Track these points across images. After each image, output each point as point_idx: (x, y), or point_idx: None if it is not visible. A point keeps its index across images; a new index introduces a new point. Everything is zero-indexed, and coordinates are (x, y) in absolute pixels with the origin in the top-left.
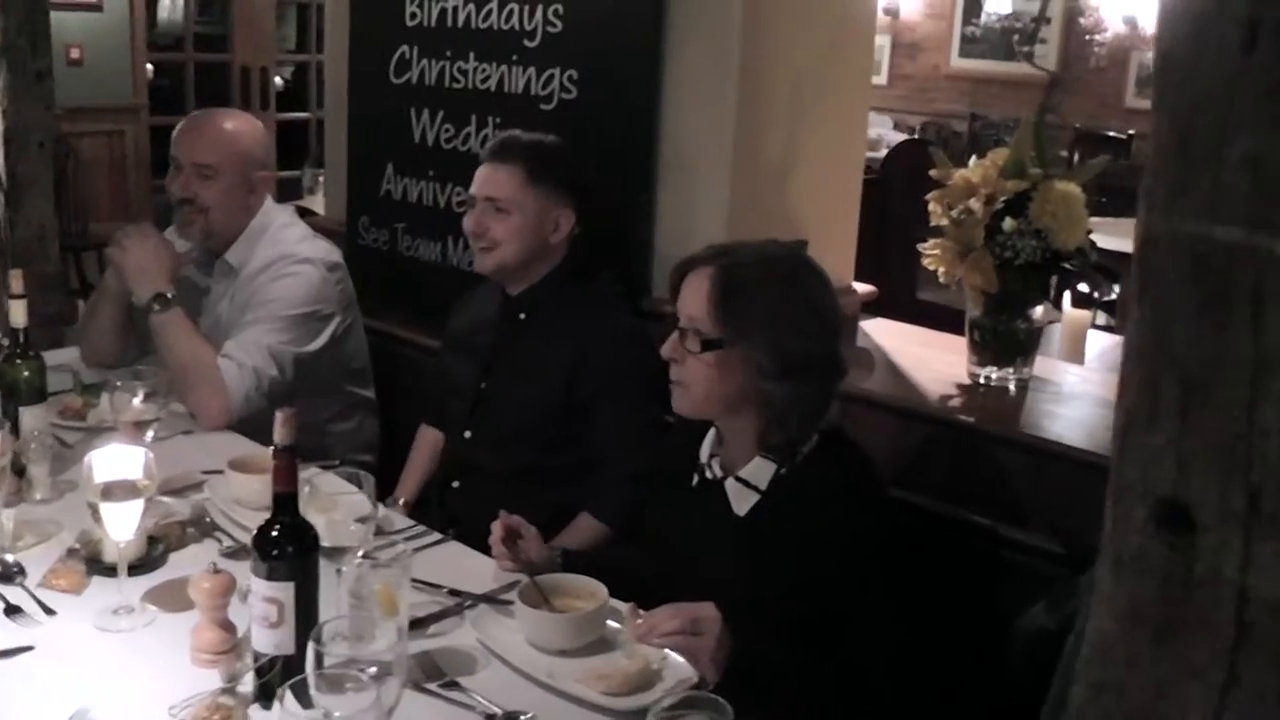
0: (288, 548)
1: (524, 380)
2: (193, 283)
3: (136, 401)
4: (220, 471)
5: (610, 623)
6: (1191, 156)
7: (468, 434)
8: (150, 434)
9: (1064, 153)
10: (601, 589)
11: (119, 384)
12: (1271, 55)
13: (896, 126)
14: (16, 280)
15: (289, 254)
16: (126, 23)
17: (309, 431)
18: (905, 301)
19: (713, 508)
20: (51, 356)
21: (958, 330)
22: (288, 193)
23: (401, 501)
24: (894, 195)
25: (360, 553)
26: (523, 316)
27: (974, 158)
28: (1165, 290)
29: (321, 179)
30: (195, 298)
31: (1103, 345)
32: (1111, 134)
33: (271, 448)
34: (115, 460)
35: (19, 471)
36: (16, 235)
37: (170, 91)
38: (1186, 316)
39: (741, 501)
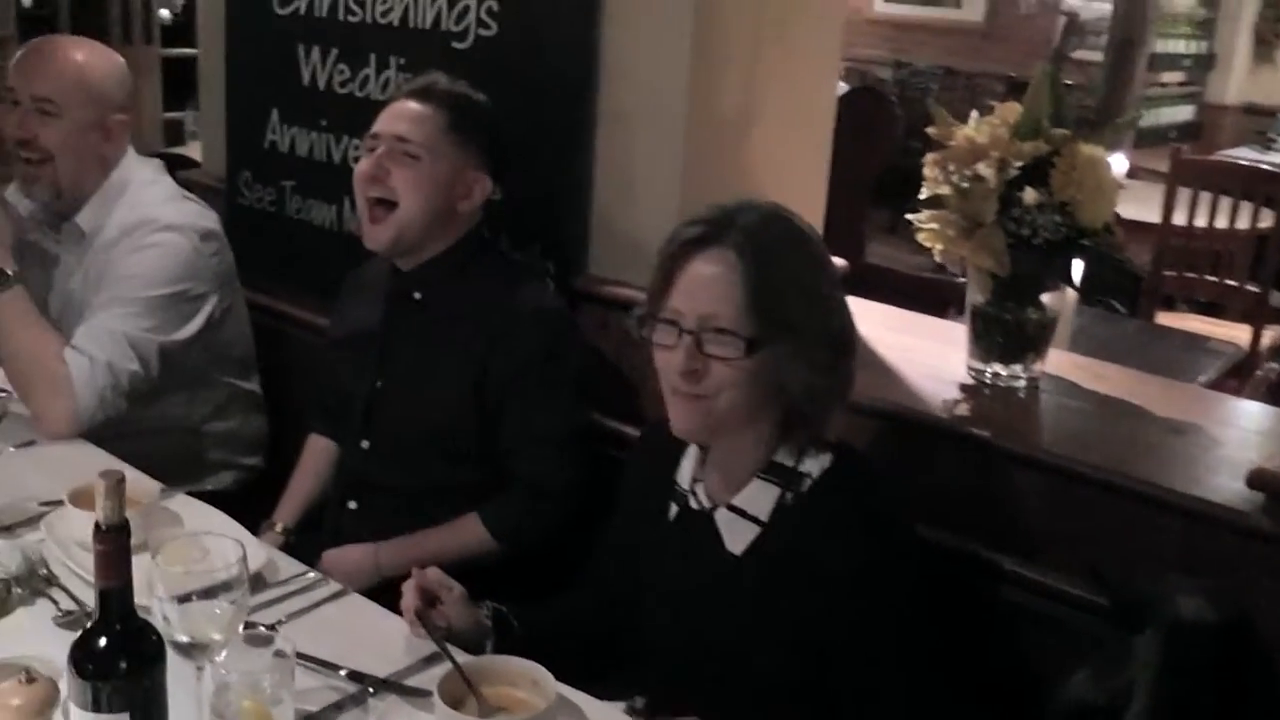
0: (119, 664)
1: (426, 377)
2: (40, 250)
3: None
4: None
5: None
6: None
7: (365, 444)
8: None
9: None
10: (545, 676)
11: None
12: None
13: None
14: None
15: (150, 219)
16: None
17: (181, 433)
18: (853, 268)
19: (698, 545)
20: None
21: (917, 304)
22: (174, 138)
23: (280, 528)
24: (840, 148)
25: (223, 651)
26: (418, 296)
27: (975, 114)
28: None
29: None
30: (42, 269)
31: (1079, 325)
32: None
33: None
34: None
35: None
36: None
37: (43, 22)
38: None
39: (737, 536)
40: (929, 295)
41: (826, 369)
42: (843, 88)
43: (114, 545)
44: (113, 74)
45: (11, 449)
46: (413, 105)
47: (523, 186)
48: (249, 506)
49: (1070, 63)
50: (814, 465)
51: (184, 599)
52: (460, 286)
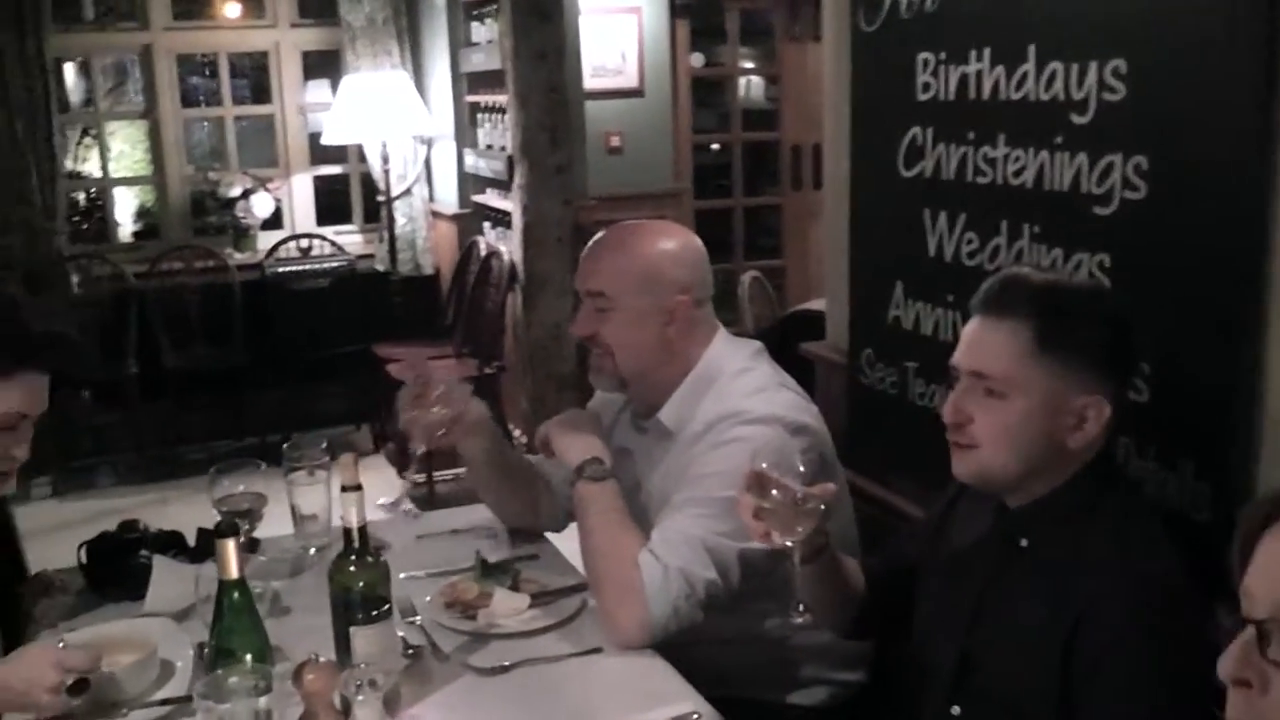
0: None
1: (1023, 636)
2: (626, 449)
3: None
4: None
5: None
6: None
7: (955, 710)
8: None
9: None
10: None
11: (519, 568)
12: None
13: None
14: (348, 470)
15: (736, 412)
16: (668, 106)
17: (766, 644)
18: None
19: None
20: (467, 514)
21: None
22: None
23: None
24: None
25: None
26: (1024, 544)
27: None
28: None
29: None
30: (627, 468)
31: None
32: None
33: None
34: None
35: (344, 710)
36: (531, 334)
37: (716, 173)
38: None
39: None
40: None
41: None
42: None
43: None
44: (673, 255)
45: (574, 655)
46: (987, 324)
47: (1170, 384)
48: None
49: None
50: None
51: None
52: (1071, 530)
